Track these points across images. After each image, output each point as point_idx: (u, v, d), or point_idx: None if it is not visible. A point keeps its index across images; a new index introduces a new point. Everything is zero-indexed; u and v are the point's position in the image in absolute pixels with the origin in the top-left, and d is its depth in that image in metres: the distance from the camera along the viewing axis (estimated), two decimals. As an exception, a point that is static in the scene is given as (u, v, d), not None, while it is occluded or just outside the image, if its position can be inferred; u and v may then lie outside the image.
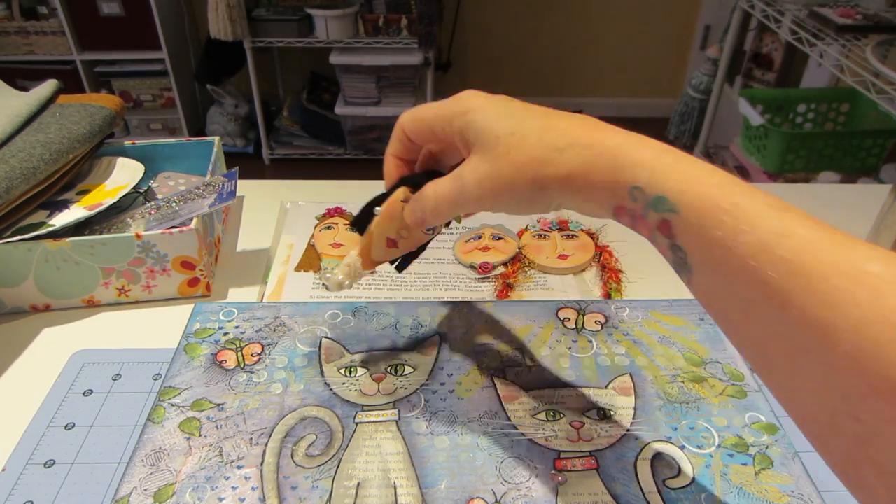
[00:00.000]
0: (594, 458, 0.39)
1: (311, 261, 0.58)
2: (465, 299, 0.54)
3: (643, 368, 0.45)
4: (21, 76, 2.17)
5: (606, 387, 0.44)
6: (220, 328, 0.48)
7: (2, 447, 0.41)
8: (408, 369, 0.45)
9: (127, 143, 0.65)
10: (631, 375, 0.45)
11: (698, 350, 0.47)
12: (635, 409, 0.42)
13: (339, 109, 2.27)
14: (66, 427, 0.42)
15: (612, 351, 0.47)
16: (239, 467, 0.38)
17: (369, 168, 2.37)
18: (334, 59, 2.16)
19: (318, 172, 2.32)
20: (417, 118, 0.36)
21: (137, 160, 0.61)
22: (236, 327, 0.48)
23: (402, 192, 0.38)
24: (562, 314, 0.50)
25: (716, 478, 0.38)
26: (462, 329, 0.49)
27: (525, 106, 0.33)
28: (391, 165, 0.39)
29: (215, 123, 2.39)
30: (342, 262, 0.41)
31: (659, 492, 0.37)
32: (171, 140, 0.66)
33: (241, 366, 0.45)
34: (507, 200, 0.32)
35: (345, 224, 0.63)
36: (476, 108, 0.33)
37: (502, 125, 0.31)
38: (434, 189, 0.35)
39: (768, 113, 1.62)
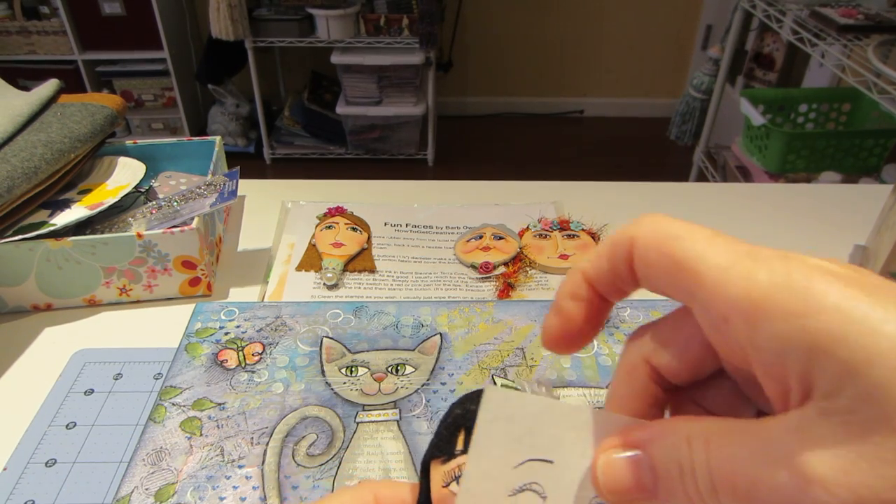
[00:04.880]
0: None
1: (312, 260, 0.58)
2: (466, 299, 0.54)
3: (644, 368, 0.45)
4: (23, 76, 2.18)
5: (607, 387, 0.44)
6: (221, 328, 0.48)
7: (3, 446, 0.41)
8: (409, 369, 0.45)
9: (128, 142, 0.66)
10: (632, 375, 0.45)
11: (699, 350, 0.47)
12: (636, 409, 0.42)
13: (341, 109, 2.27)
14: (67, 426, 0.42)
15: (613, 351, 0.47)
16: (240, 467, 0.38)
17: (370, 168, 2.37)
18: (335, 58, 2.16)
19: (319, 172, 2.32)
20: (673, 255, 0.17)
21: (139, 160, 0.62)
22: (237, 327, 0.48)
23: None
24: (563, 314, 0.50)
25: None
26: (463, 329, 0.49)
27: None
28: (575, 289, 0.20)
29: (216, 123, 2.39)
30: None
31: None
32: (173, 140, 0.66)
33: (243, 365, 0.45)
34: None
35: (346, 223, 0.63)
36: (838, 308, 0.14)
37: None
38: (709, 455, 0.16)
39: (769, 113, 1.62)
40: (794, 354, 0.15)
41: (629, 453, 0.17)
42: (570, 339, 0.21)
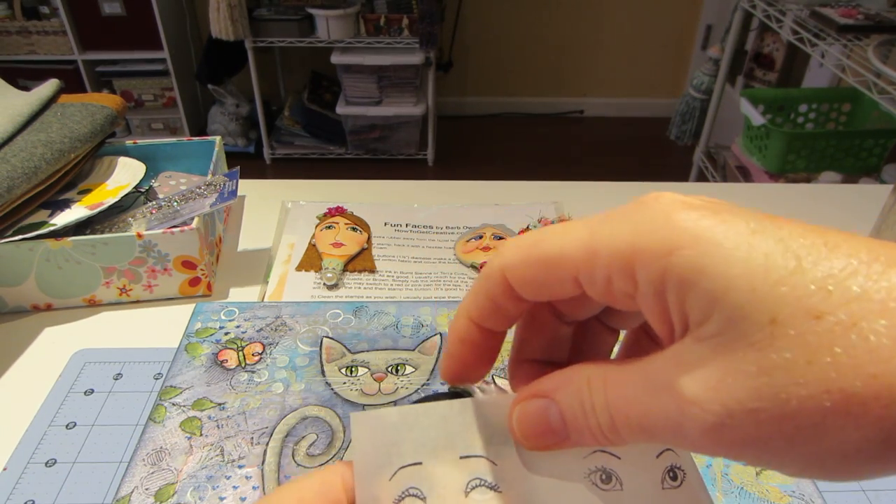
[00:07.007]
0: (595, 457, 0.39)
1: (312, 260, 0.58)
2: (466, 299, 0.54)
3: (644, 368, 0.45)
4: (23, 76, 2.18)
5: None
6: (221, 328, 0.48)
7: (3, 446, 0.41)
8: (409, 369, 0.45)
9: (128, 142, 0.66)
10: (632, 375, 0.45)
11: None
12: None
13: (341, 109, 2.27)
14: (67, 426, 0.42)
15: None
16: (240, 467, 0.38)
17: (370, 168, 2.37)
18: (335, 58, 2.16)
19: (319, 172, 2.32)
20: (541, 259, 0.19)
21: (139, 160, 0.62)
22: (237, 327, 0.48)
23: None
24: (563, 314, 0.50)
25: (717, 478, 0.38)
26: (463, 329, 0.49)
27: (807, 232, 0.15)
28: (464, 334, 0.21)
29: (216, 123, 2.39)
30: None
31: (660, 492, 0.37)
32: (173, 140, 0.66)
33: (243, 365, 0.45)
34: (796, 455, 0.14)
35: (346, 223, 0.63)
36: (698, 240, 0.15)
37: (787, 292, 0.14)
38: (606, 393, 0.18)
39: (769, 113, 1.62)
40: (669, 293, 0.16)
41: (539, 402, 0.19)
42: (464, 375, 0.23)
